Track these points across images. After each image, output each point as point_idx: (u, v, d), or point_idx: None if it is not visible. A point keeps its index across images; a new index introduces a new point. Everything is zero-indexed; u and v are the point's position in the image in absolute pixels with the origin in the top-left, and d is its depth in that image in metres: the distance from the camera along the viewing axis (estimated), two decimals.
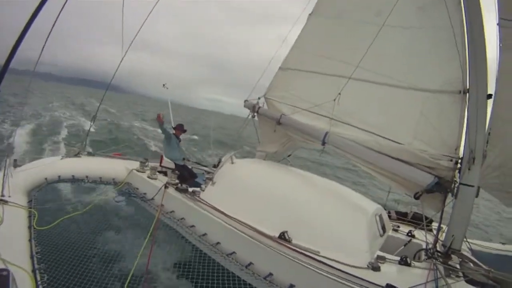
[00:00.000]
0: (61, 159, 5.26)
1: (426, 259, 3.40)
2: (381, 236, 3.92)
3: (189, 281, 3.44)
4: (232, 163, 4.67)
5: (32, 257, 2.89)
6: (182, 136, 6.12)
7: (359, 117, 4.32)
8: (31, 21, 1.95)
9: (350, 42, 4.73)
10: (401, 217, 5.22)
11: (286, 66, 5.55)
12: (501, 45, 3.73)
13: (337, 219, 3.68)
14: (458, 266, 3.22)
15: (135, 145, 14.32)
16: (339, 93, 4.37)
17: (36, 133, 13.26)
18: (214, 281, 3.29)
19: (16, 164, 4.60)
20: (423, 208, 3.92)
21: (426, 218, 4.14)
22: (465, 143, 3.31)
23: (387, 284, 2.76)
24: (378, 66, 4.27)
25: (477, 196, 3.35)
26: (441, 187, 3.47)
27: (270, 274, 3.11)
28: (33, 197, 4.05)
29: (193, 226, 3.90)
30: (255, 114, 5.50)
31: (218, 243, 3.59)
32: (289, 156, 5.99)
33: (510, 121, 3.96)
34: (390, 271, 3.15)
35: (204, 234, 3.74)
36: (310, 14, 5.44)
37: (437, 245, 3.55)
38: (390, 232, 4.39)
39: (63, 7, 2.62)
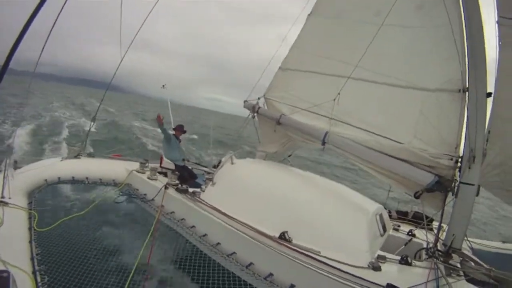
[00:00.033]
0: (61, 160, 5.27)
1: (427, 258, 3.40)
2: (381, 235, 3.92)
3: (190, 281, 3.43)
4: (232, 163, 4.67)
5: (32, 258, 2.89)
6: (181, 136, 6.13)
7: (358, 116, 4.32)
8: (30, 21, 1.95)
9: (350, 42, 4.73)
10: (402, 216, 5.22)
11: (286, 66, 5.55)
12: (500, 43, 3.72)
13: (337, 219, 3.68)
14: (459, 265, 3.21)
15: (134, 145, 14.38)
16: (339, 93, 4.38)
17: (36, 133, 13.33)
18: (214, 281, 3.28)
19: (16, 166, 4.60)
20: (423, 207, 3.91)
21: (427, 217, 4.14)
22: (465, 142, 3.30)
23: (387, 284, 2.75)
24: (377, 65, 4.27)
25: (477, 194, 3.34)
26: (442, 186, 3.46)
27: (271, 274, 3.11)
28: (33, 199, 4.05)
29: (193, 226, 3.90)
30: (255, 114, 5.50)
31: (218, 243, 3.59)
32: (289, 156, 5.99)
33: (509, 120, 3.95)
34: (390, 270, 3.14)
35: (205, 235, 3.74)
36: (309, 15, 5.44)
37: (438, 244, 3.53)
38: (390, 232, 4.39)
39: (62, 7, 2.61)
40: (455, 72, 3.50)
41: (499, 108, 3.86)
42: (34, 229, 3.38)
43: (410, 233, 4.39)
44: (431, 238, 3.78)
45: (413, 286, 2.80)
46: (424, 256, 3.54)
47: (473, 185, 3.24)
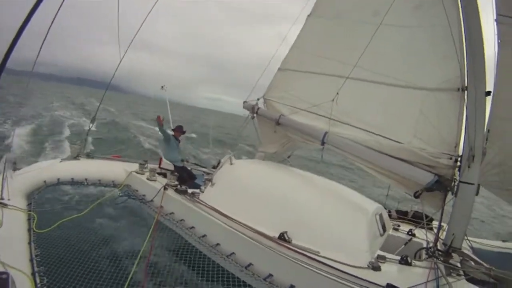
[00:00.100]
0: (60, 161, 5.27)
1: (427, 258, 3.39)
2: (381, 235, 3.91)
3: (190, 282, 3.43)
4: (231, 163, 4.66)
5: (31, 260, 2.88)
6: (180, 136, 6.12)
7: (358, 116, 4.31)
8: (27, 21, 1.94)
9: (349, 42, 4.73)
10: (402, 216, 5.20)
11: (285, 67, 5.54)
12: (499, 41, 3.71)
13: (337, 219, 3.67)
14: (459, 265, 3.21)
15: (133, 144, 14.49)
16: (337, 93, 4.37)
17: (36, 133, 13.44)
18: (214, 282, 3.28)
19: (15, 167, 4.60)
20: (423, 207, 3.90)
21: (427, 216, 4.12)
22: (464, 141, 3.29)
23: (387, 284, 2.74)
24: (376, 65, 4.27)
25: (477, 194, 3.34)
26: (441, 185, 3.45)
27: (270, 275, 3.10)
28: (32, 200, 4.04)
29: (192, 227, 3.89)
30: (255, 115, 5.49)
31: (217, 244, 3.58)
32: (288, 157, 5.99)
33: (509, 118, 3.95)
34: (390, 270, 3.13)
35: (204, 235, 3.73)
36: (308, 16, 5.44)
37: (438, 243, 3.53)
38: (390, 231, 4.38)
39: (60, 7, 2.62)
40: (454, 71, 3.49)
41: (498, 106, 3.86)
42: (33, 231, 3.37)
43: (410, 233, 4.38)
44: (431, 237, 3.77)
45: (413, 286, 2.79)
46: (424, 255, 3.53)
47: (472, 184, 3.23)
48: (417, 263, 3.33)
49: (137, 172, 5.15)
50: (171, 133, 5.97)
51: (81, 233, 4.26)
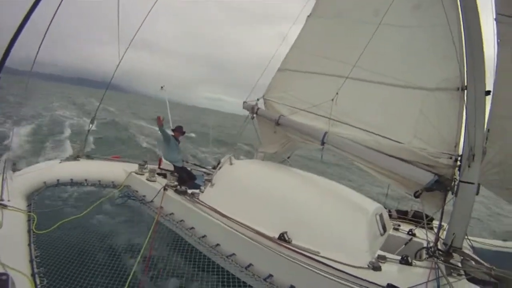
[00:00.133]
0: (60, 162, 5.26)
1: (427, 257, 3.38)
2: (381, 235, 3.90)
3: (189, 283, 3.42)
4: (231, 164, 4.66)
5: (31, 261, 2.87)
6: (180, 137, 6.12)
7: (357, 116, 4.31)
8: (26, 20, 1.94)
9: (349, 42, 4.73)
10: (402, 215, 5.20)
11: (285, 67, 5.54)
12: (499, 40, 3.71)
13: (337, 219, 3.67)
14: (459, 265, 3.20)
15: (132, 144, 14.57)
16: (337, 93, 4.37)
17: (37, 132, 13.52)
18: (214, 282, 3.27)
19: (15, 168, 4.60)
20: (423, 207, 3.90)
21: (427, 216, 4.11)
22: (464, 140, 3.29)
23: (388, 284, 2.73)
24: (376, 65, 4.27)
25: (477, 193, 3.33)
26: (441, 185, 3.44)
27: (270, 275, 3.09)
28: (32, 201, 4.03)
29: (192, 228, 3.89)
30: (254, 115, 5.49)
31: (217, 244, 3.57)
32: (288, 157, 5.98)
33: (509, 117, 3.94)
34: (391, 270, 3.13)
35: (204, 236, 3.73)
36: (308, 16, 5.44)
37: (438, 243, 3.52)
38: (390, 231, 4.37)
39: (59, 6, 2.62)
40: (454, 70, 3.49)
41: (498, 106, 3.85)
42: (33, 232, 3.37)
43: (410, 233, 4.38)
44: (432, 237, 3.76)
45: (414, 286, 2.78)
46: (424, 255, 3.52)
47: (473, 183, 3.22)
48: (418, 263, 3.32)
49: (136, 173, 5.15)
50: (171, 133, 5.97)
51: (81, 234, 4.25)
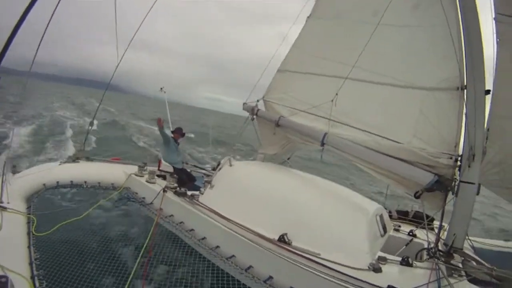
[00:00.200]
0: (60, 164, 5.25)
1: (428, 258, 3.37)
2: (382, 236, 3.88)
3: (189, 285, 3.41)
4: (231, 165, 4.65)
5: (31, 263, 2.87)
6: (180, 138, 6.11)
7: (357, 117, 4.30)
8: (22, 20, 1.93)
9: (348, 43, 4.72)
10: (402, 216, 5.18)
11: (285, 68, 5.54)
12: (498, 40, 3.70)
13: (337, 220, 3.65)
14: (460, 265, 3.19)
15: (131, 143, 14.65)
16: (336, 94, 4.36)
17: (37, 133, 13.64)
18: (214, 284, 3.27)
19: (14, 170, 4.59)
20: (423, 207, 3.89)
21: (427, 216, 4.10)
22: (464, 140, 3.28)
23: (388, 286, 2.72)
24: (375, 65, 4.26)
25: (478, 193, 3.32)
26: (442, 185, 3.43)
27: (270, 277, 3.08)
28: (32, 203, 4.03)
29: (192, 230, 3.88)
30: (254, 116, 5.48)
31: (217, 246, 3.56)
32: (288, 158, 5.97)
33: (509, 117, 3.93)
34: (391, 272, 3.11)
35: (203, 238, 3.71)
36: (308, 17, 5.44)
37: (439, 244, 3.51)
38: (391, 232, 4.35)
39: (57, 6, 2.61)
40: (453, 70, 3.48)
41: (498, 105, 3.84)
42: (33, 234, 3.36)
43: (410, 233, 4.36)
44: (432, 238, 3.75)
45: (415, 287, 2.77)
46: (425, 256, 3.51)
47: (473, 183, 3.21)
48: (418, 264, 3.31)
49: (136, 175, 5.14)
50: (171, 135, 5.97)
51: (81, 236, 4.25)
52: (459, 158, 3.36)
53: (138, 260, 3.31)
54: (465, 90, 3.35)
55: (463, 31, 3.24)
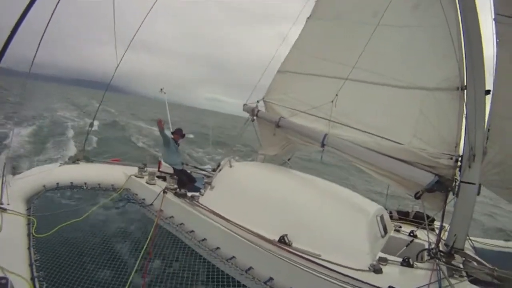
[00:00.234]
0: (60, 166, 5.26)
1: (429, 259, 3.36)
2: (382, 237, 3.88)
3: (189, 286, 3.40)
4: (231, 166, 4.64)
5: (31, 265, 2.87)
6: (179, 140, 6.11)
7: (357, 117, 4.29)
8: (21, 19, 1.93)
9: (348, 44, 4.72)
10: (403, 216, 5.17)
11: (285, 69, 5.54)
12: (498, 40, 3.70)
13: (337, 221, 3.64)
14: (461, 266, 3.18)
15: (131, 143, 14.70)
16: (337, 95, 4.36)
17: (38, 133, 13.63)
18: (214, 286, 3.26)
19: (14, 172, 4.60)
20: (424, 208, 3.88)
21: (428, 217, 4.09)
22: (464, 140, 3.27)
23: (389, 287, 2.71)
24: (375, 66, 4.26)
25: (478, 193, 3.31)
26: (442, 185, 3.42)
27: (271, 278, 3.08)
28: (32, 205, 4.03)
29: (192, 231, 3.87)
30: (255, 117, 5.48)
31: (217, 248, 3.56)
32: (289, 159, 5.97)
33: (509, 117, 3.92)
34: (392, 273, 3.10)
35: (204, 239, 3.71)
36: (308, 18, 5.45)
37: (440, 244, 3.50)
38: (391, 233, 4.35)
39: (56, 5, 2.61)
40: (453, 70, 3.48)
41: (498, 105, 3.83)
42: (33, 235, 3.36)
43: (411, 234, 4.35)
44: (433, 238, 3.74)
45: None
46: (426, 257, 3.50)
47: (473, 184, 3.21)
48: (419, 264, 3.29)
49: (136, 176, 5.14)
50: (171, 136, 5.97)
51: (81, 237, 4.25)
52: (460, 159, 3.36)
53: (138, 262, 3.30)
54: (465, 90, 3.35)
55: (463, 31, 3.24)
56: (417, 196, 3.58)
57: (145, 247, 3.50)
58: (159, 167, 5.63)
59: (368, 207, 4.15)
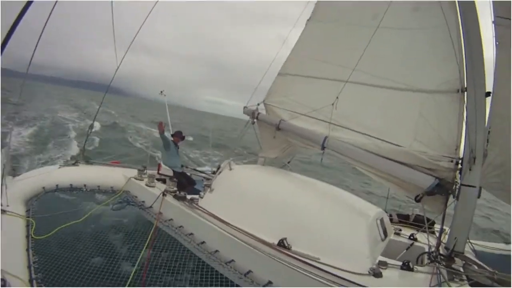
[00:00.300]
0: (59, 167, 5.26)
1: (429, 263, 3.33)
2: (382, 240, 3.86)
3: None
4: (230, 169, 4.63)
5: (29, 266, 2.87)
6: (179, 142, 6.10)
7: (358, 120, 4.29)
8: (18, 20, 1.94)
9: (348, 46, 4.73)
10: (403, 219, 5.15)
11: (285, 71, 5.54)
12: (497, 43, 3.70)
13: (337, 224, 3.63)
14: (461, 269, 3.15)
15: (131, 144, 14.75)
16: (337, 97, 4.36)
17: (39, 134, 13.75)
18: None
19: (14, 173, 4.60)
20: (424, 211, 3.86)
21: (428, 220, 4.07)
22: (465, 143, 3.26)
23: None
24: (375, 68, 4.26)
25: (479, 196, 3.29)
26: (442, 188, 3.40)
27: (270, 282, 3.06)
28: (31, 206, 4.03)
29: (191, 234, 3.86)
30: (255, 120, 5.48)
31: (216, 251, 3.54)
32: (288, 162, 5.96)
33: (508, 119, 3.91)
34: (392, 276, 3.08)
35: (203, 242, 3.69)
36: (308, 20, 5.46)
37: (440, 248, 3.48)
38: (392, 236, 4.32)
39: (53, 8, 2.62)
40: (453, 72, 3.48)
41: (498, 107, 3.82)
42: (32, 237, 3.36)
43: (411, 237, 4.32)
44: (433, 242, 3.72)
45: None
46: (426, 260, 3.48)
47: (474, 186, 3.19)
48: (419, 268, 3.27)
49: (136, 178, 5.13)
50: (170, 138, 5.96)
51: (80, 239, 4.24)
52: (460, 161, 3.34)
53: (137, 264, 3.29)
54: (465, 93, 3.35)
55: (462, 33, 3.23)
56: (417, 199, 3.56)
57: (144, 249, 3.49)
58: (158, 170, 5.62)
59: (368, 210, 4.13)
